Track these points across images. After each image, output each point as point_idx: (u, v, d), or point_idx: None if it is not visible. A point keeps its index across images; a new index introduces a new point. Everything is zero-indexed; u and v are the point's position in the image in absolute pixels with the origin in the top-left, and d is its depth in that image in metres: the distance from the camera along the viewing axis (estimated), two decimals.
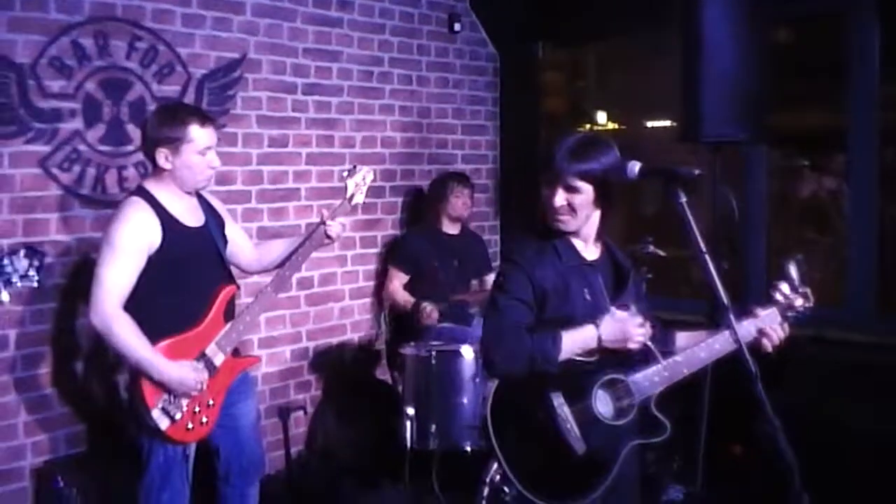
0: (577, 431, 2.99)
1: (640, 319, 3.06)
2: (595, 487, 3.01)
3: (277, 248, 4.21)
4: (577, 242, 3.19)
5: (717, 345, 3.09)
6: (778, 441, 2.64)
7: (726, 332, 3.03)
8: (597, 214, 3.16)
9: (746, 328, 3.09)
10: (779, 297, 3.20)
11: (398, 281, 5.72)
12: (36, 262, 3.08)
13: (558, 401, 2.99)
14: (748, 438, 4.98)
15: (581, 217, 3.11)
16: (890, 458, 4.28)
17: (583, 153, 3.06)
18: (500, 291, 3.10)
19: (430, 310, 5.39)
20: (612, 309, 3.07)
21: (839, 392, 4.82)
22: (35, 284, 3.03)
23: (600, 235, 3.24)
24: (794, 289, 3.22)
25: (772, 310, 3.18)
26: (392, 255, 5.96)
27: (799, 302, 3.22)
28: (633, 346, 3.04)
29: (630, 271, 3.29)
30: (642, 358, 3.11)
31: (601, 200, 3.11)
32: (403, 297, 5.65)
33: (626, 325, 3.03)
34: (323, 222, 4.01)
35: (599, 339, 3.01)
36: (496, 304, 3.09)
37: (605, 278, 3.22)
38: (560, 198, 3.07)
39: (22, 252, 3.05)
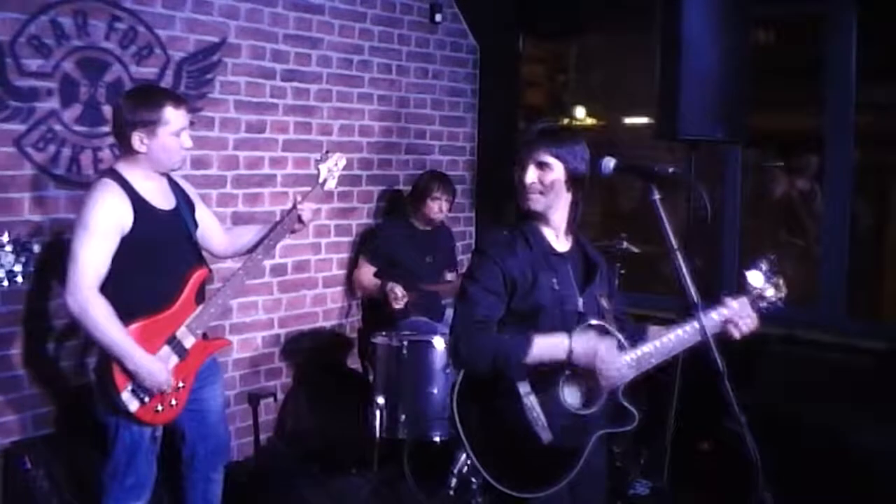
0: (544, 420, 3.01)
1: (617, 352, 3.02)
2: (562, 477, 3.03)
3: (249, 233, 4.23)
4: (547, 232, 3.21)
5: (685, 336, 3.12)
6: (743, 438, 2.66)
7: (694, 322, 3.06)
8: (567, 200, 3.19)
9: (714, 319, 3.13)
10: (750, 286, 3.26)
11: (365, 270, 5.72)
12: (23, 258, 3.00)
13: (525, 389, 3.01)
14: (715, 435, 5.02)
15: (551, 197, 3.14)
16: (855, 457, 4.32)
17: (553, 134, 3.17)
18: (470, 281, 3.10)
19: (398, 292, 5.37)
20: (590, 329, 3.06)
21: (808, 392, 4.86)
22: (20, 282, 2.99)
23: (571, 227, 3.26)
24: (766, 279, 3.26)
25: (742, 299, 3.22)
26: (363, 246, 5.96)
27: (770, 292, 3.27)
28: (602, 377, 3.00)
29: (599, 265, 3.32)
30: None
31: (571, 183, 3.15)
32: (370, 281, 5.64)
33: (599, 347, 2.99)
34: (295, 206, 4.03)
35: (570, 353, 2.97)
36: (466, 293, 3.08)
37: (574, 270, 3.24)
38: (531, 174, 3.12)
39: (9, 246, 2.97)
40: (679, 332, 3.13)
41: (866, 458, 4.28)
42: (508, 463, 3.00)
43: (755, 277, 3.26)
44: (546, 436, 3.00)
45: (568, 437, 3.04)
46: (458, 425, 3.00)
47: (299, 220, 4.05)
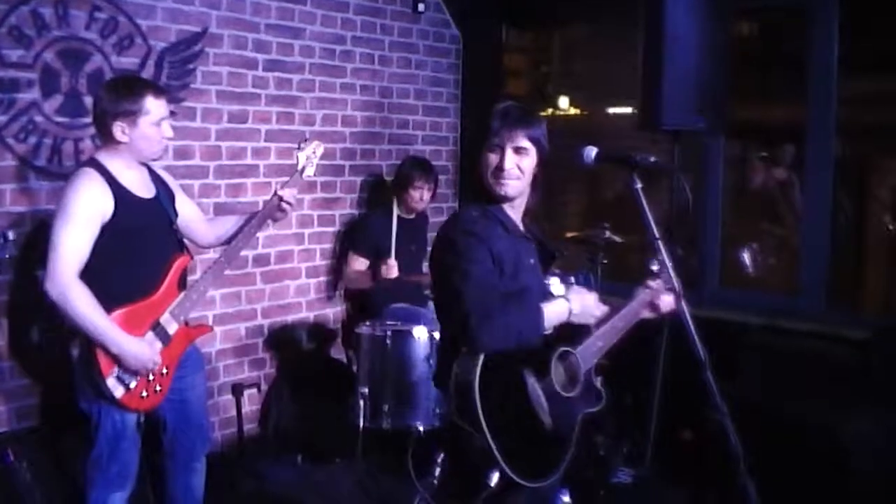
0: (546, 406, 2.99)
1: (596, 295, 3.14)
2: (563, 461, 3.04)
3: (231, 223, 4.22)
4: (513, 215, 3.18)
5: (629, 315, 3.32)
6: (725, 427, 2.68)
7: (632, 303, 3.33)
8: (528, 184, 3.18)
9: (643, 299, 3.34)
10: (654, 268, 3.44)
11: (357, 266, 5.72)
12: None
13: (531, 379, 2.96)
14: (698, 424, 5.05)
15: (524, 182, 3.12)
16: (835, 446, 4.35)
17: (528, 118, 3.14)
18: (469, 262, 2.97)
19: (390, 262, 5.50)
20: (573, 285, 3.10)
21: (789, 381, 4.88)
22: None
23: (529, 210, 3.25)
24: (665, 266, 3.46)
25: (657, 282, 3.38)
26: (351, 239, 5.94)
27: (662, 281, 3.47)
28: (592, 321, 3.12)
29: (556, 253, 3.37)
30: (578, 330, 3.17)
31: (539, 167, 3.14)
32: (366, 282, 5.67)
33: (590, 300, 3.10)
34: (276, 193, 4.04)
35: (570, 313, 3.02)
36: (470, 274, 2.95)
37: (535, 252, 3.26)
38: (511, 160, 3.07)
39: None
40: (623, 312, 3.31)
41: (846, 447, 4.30)
42: (520, 452, 2.92)
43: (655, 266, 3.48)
44: (548, 421, 2.97)
45: (561, 421, 3.02)
46: (481, 415, 2.85)
47: (280, 207, 4.05)
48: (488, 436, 2.85)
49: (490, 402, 2.89)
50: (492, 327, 2.88)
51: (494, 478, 2.88)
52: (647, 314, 3.40)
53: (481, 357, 2.88)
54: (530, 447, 2.97)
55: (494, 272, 3.02)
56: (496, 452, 2.85)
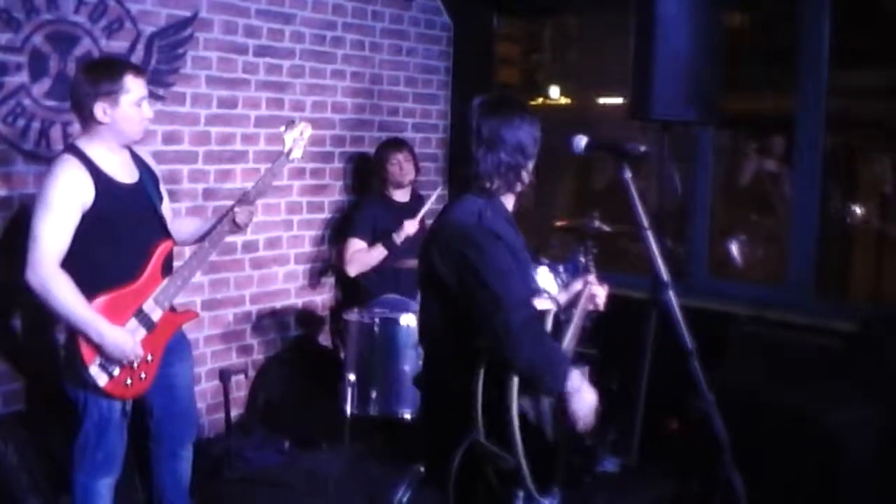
0: (549, 419, 2.98)
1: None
2: (560, 469, 3.01)
3: (190, 226, 4.22)
4: (508, 205, 3.06)
5: (581, 314, 3.30)
6: (711, 417, 2.69)
7: (580, 302, 3.30)
8: None
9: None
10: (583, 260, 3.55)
11: (359, 247, 5.63)
12: None
13: (545, 397, 2.94)
14: (684, 414, 5.06)
15: None
16: (823, 437, 4.36)
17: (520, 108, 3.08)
18: (503, 278, 2.77)
19: (405, 224, 5.49)
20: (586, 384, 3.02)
21: (776, 371, 4.89)
22: None
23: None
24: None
25: (591, 276, 3.45)
26: (349, 225, 5.84)
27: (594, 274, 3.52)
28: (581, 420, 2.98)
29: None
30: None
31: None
32: (367, 253, 5.59)
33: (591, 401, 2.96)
34: (232, 210, 3.99)
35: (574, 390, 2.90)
36: (511, 295, 2.75)
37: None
38: None
39: None
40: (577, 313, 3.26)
41: (834, 438, 4.32)
42: (538, 468, 2.83)
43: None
44: (550, 432, 2.97)
45: (553, 430, 3.02)
46: (516, 430, 2.74)
47: (234, 223, 4.01)
48: (522, 458, 2.76)
49: (521, 415, 2.79)
50: (536, 354, 2.74)
51: (521, 498, 2.82)
52: (590, 307, 3.38)
53: (515, 376, 2.74)
54: (541, 462, 2.90)
55: (524, 277, 2.90)
56: (527, 473, 2.77)
